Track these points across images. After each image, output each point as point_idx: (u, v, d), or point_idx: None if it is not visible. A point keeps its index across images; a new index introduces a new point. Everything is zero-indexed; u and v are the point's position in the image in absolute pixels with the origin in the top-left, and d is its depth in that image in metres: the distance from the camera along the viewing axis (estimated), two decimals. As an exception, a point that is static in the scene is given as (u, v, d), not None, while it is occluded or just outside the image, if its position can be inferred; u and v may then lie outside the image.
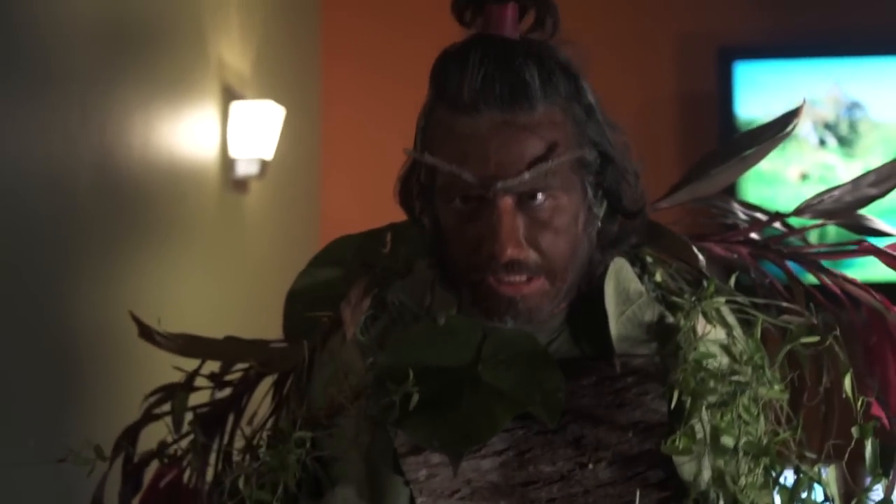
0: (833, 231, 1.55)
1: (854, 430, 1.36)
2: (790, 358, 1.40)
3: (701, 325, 1.38)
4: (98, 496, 1.59)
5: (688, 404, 1.33)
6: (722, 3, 4.43)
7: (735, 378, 1.34)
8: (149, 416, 1.60)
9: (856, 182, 1.51)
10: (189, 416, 1.58)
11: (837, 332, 1.40)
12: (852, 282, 1.48)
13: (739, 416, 1.33)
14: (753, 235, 1.53)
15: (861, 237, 1.51)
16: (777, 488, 1.35)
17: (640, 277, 1.43)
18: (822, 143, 4.28)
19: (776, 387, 1.36)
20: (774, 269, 1.54)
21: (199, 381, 1.61)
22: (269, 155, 3.64)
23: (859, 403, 1.37)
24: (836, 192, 1.51)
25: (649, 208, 1.45)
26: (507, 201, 1.29)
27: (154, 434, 1.61)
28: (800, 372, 1.42)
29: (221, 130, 3.48)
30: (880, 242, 1.51)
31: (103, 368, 2.57)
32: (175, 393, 1.58)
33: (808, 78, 4.33)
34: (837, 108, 4.30)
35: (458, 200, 1.32)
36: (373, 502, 1.37)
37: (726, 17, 4.41)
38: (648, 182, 1.41)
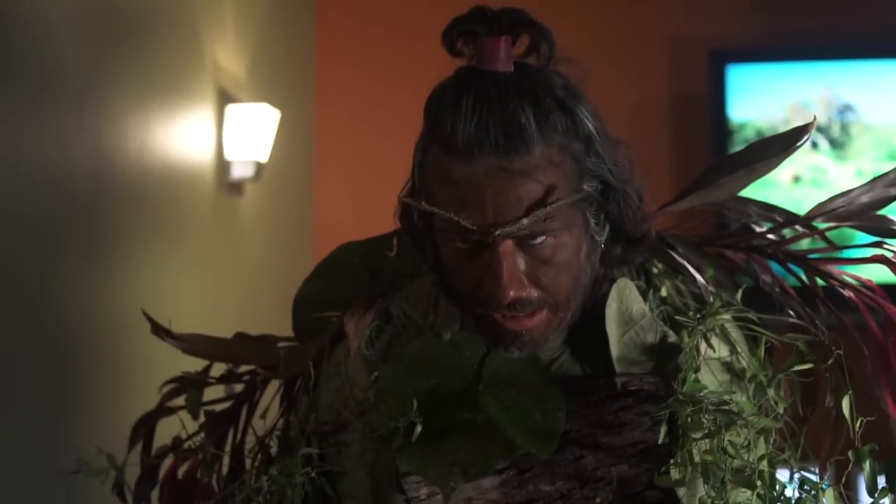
0: (850, 231, 1.55)
1: (850, 454, 1.37)
2: (800, 374, 1.39)
3: (705, 343, 1.38)
4: (119, 481, 1.60)
5: (681, 432, 1.33)
6: (714, 6, 4.44)
7: (727, 408, 1.33)
8: (164, 408, 1.61)
9: (872, 183, 1.50)
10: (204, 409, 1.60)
11: (841, 351, 1.39)
12: (868, 286, 1.48)
13: (725, 450, 1.32)
14: (770, 237, 1.53)
15: (880, 239, 1.49)
16: None
17: (645, 292, 1.43)
18: (815, 145, 4.29)
19: (764, 419, 1.35)
20: (783, 270, 1.54)
21: (212, 376, 1.63)
22: (264, 158, 3.65)
23: (858, 424, 1.37)
24: (851, 195, 1.50)
25: (656, 214, 1.45)
26: (507, 244, 1.28)
27: (166, 426, 1.62)
28: (808, 386, 1.41)
29: (217, 133, 3.49)
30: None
31: (100, 369, 2.58)
32: (190, 383, 1.60)
33: (800, 81, 4.34)
34: (829, 110, 4.31)
35: (457, 241, 1.31)
36: None
37: (718, 20, 4.42)
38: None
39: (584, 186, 1.30)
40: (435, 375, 1.37)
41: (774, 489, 1.34)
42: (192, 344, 1.62)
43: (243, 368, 1.63)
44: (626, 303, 1.39)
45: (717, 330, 1.40)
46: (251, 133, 3.57)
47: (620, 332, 1.38)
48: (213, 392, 1.65)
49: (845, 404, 1.38)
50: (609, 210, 1.34)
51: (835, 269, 1.50)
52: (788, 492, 1.35)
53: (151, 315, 1.63)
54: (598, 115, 1.33)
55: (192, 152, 3.27)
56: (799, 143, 1.48)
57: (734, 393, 1.36)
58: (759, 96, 4.33)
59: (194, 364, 1.65)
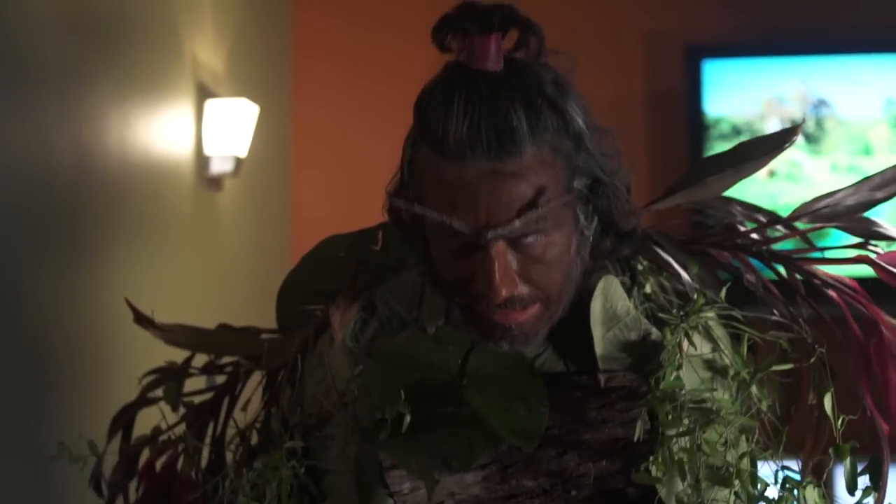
0: (834, 231, 1.56)
1: (831, 451, 1.38)
2: (782, 373, 1.40)
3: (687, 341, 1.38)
4: (96, 473, 1.60)
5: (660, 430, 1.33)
6: (690, 1, 4.44)
7: (705, 406, 1.34)
8: (144, 399, 1.61)
9: (858, 185, 1.50)
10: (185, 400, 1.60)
11: (823, 350, 1.40)
12: (850, 286, 1.49)
13: (700, 447, 1.32)
14: (754, 236, 1.54)
15: (863, 240, 1.51)
16: None
17: (630, 289, 1.43)
18: (789, 140, 4.31)
19: (742, 417, 1.35)
20: (768, 270, 1.54)
21: (195, 366, 1.62)
22: (243, 152, 3.65)
23: (839, 422, 1.38)
24: (836, 196, 1.50)
25: (642, 211, 1.46)
26: (499, 245, 1.28)
27: (146, 418, 1.63)
28: (791, 383, 1.42)
29: (196, 128, 3.48)
30: (887, 246, 1.51)
31: (80, 362, 2.58)
32: (171, 375, 1.59)
33: (775, 76, 4.36)
34: (804, 105, 4.33)
35: (448, 240, 1.31)
36: None
37: (694, 15, 4.42)
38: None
39: (575, 184, 1.31)
40: (419, 369, 1.37)
41: (756, 487, 1.34)
42: (175, 334, 1.62)
43: (225, 360, 1.63)
44: (610, 300, 1.40)
45: (700, 327, 1.40)
46: (230, 128, 3.56)
47: (604, 330, 1.39)
48: (194, 384, 1.65)
49: (827, 402, 1.39)
50: (598, 204, 1.34)
51: (819, 269, 1.51)
52: (770, 491, 1.36)
53: (126, 311, 1.62)
54: (587, 106, 1.33)
55: (171, 147, 3.28)
56: (787, 145, 1.48)
57: (715, 390, 1.36)
58: (734, 91, 4.34)
59: (175, 357, 1.65)
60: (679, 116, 4.36)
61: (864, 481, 1.40)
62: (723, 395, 1.37)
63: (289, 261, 4.27)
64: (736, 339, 1.42)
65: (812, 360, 1.40)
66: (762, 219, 1.56)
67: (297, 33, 4.56)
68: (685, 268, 1.49)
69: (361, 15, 4.52)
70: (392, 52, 4.36)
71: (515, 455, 1.36)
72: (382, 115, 4.48)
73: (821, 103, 4.32)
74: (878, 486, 1.39)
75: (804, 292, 1.51)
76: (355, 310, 1.45)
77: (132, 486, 1.63)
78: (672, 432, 1.32)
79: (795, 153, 4.29)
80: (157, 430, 1.59)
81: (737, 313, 1.42)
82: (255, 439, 1.50)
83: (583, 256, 1.36)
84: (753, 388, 1.37)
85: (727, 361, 1.40)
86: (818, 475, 1.39)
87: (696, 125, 4.32)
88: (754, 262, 1.54)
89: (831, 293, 1.49)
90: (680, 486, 1.32)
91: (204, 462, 1.59)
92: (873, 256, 1.49)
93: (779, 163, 4.29)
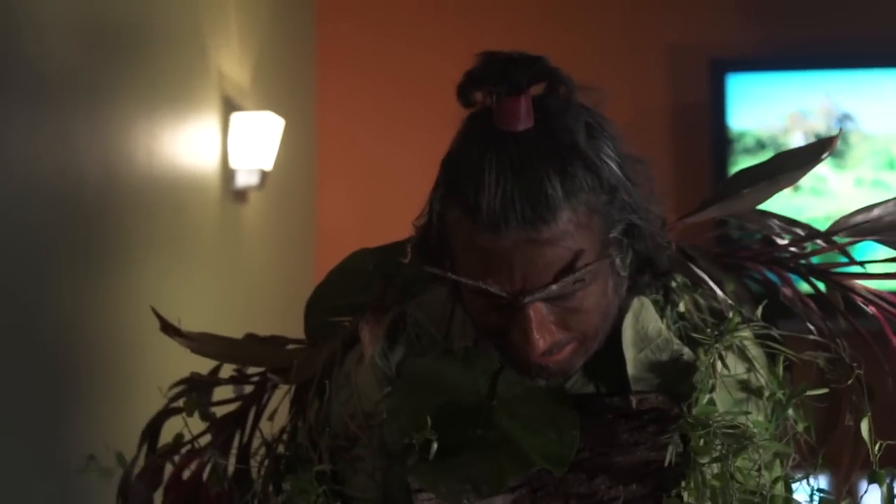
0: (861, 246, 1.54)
1: (867, 478, 1.35)
2: (819, 395, 1.37)
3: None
4: (124, 486, 1.58)
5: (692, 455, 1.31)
6: (714, 15, 4.44)
7: (738, 431, 1.31)
8: (170, 410, 1.59)
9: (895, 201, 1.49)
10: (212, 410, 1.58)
11: (862, 371, 1.38)
12: (891, 301, 1.47)
13: (733, 476, 1.30)
14: (792, 250, 1.51)
15: None
16: None
17: (663, 308, 1.41)
18: (814, 154, 4.30)
19: (776, 444, 1.33)
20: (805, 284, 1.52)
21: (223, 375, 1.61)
22: (268, 165, 3.66)
23: (877, 447, 1.36)
24: (874, 211, 1.49)
25: (676, 223, 1.44)
26: (536, 306, 1.25)
27: (174, 428, 1.63)
28: (828, 405, 1.39)
29: (222, 141, 3.50)
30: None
31: (105, 375, 2.60)
32: (197, 385, 1.58)
33: (799, 90, 4.35)
34: (828, 119, 4.32)
35: (483, 298, 1.28)
36: None
37: (718, 29, 4.43)
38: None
39: (610, 236, 1.27)
40: (448, 391, 1.35)
41: None
42: (201, 343, 1.60)
43: (251, 370, 1.62)
44: (641, 321, 1.38)
45: (735, 347, 1.38)
46: (256, 141, 3.58)
47: (636, 352, 1.36)
48: (220, 394, 1.65)
49: (864, 427, 1.36)
50: (634, 245, 1.31)
51: (858, 283, 1.49)
52: None
53: (152, 322, 1.59)
54: (619, 142, 1.29)
55: (197, 160, 3.30)
56: (824, 156, 1.47)
57: (749, 413, 1.34)
58: (758, 105, 4.34)
59: (200, 369, 1.64)
60: (703, 130, 4.36)
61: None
62: (757, 417, 1.35)
63: (313, 273, 4.29)
64: (771, 358, 1.40)
65: (850, 381, 1.38)
66: (800, 232, 1.53)
67: (321, 46, 4.58)
68: (720, 284, 1.46)
69: (385, 27, 4.54)
70: (416, 63, 4.38)
71: (545, 478, 1.33)
72: (406, 127, 4.51)
73: (845, 117, 4.32)
74: None
75: (842, 308, 1.49)
76: (385, 325, 1.43)
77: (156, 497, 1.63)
78: (704, 460, 1.30)
79: (820, 167, 4.25)
80: (179, 438, 1.57)
81: (774, 332, 1.39)
82: (280, 450, 1.50)
83: (620, 294, 1.33)
84: (790, 411, 1.36)
85: (762, 382, 1.37)
86: (852, 496, 1.38)
87: (720, 139, 4.31)
88: (791, 277, 1.52)
89: (871, 308, 1.46)
90: None
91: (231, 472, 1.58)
92: None
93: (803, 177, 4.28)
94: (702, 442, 1.30)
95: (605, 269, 1.28)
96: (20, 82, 2.23)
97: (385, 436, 1.34)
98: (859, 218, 1.49)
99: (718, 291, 1.45)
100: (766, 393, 1.37)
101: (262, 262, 3.88)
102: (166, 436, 1.64)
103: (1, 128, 2.16)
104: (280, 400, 1.59)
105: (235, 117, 3.56)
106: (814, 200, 4.23)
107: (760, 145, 4.28)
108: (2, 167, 2.16)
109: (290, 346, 1.61)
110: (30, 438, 2.25)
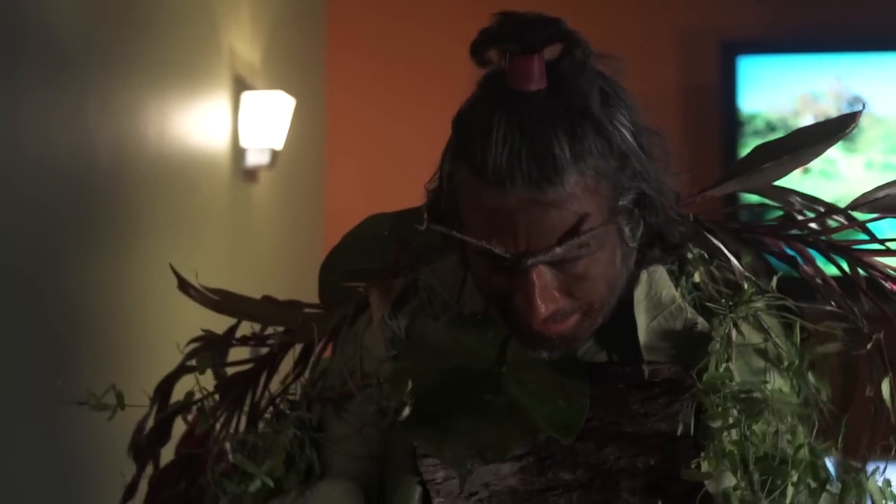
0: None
1: (892, 440, 1.33)
2: (837, 362, 1.37)
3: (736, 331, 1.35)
4: (137, 440, 1.58)
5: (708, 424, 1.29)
6: (724, -4, 4.45)
7: (752, 396, 1.29)
8: (185, 367, 1.57)
9: None
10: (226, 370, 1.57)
11: (881, 336, 1.36)
12: None
13: (747, 438, 1.28)
14: (812, 226, 1.49)
15: None
16: (822, 496, 1.31)
17: (678, 278, 1.39)
18: (824, 136, 4.29)
19: (794, 400, 1.32)
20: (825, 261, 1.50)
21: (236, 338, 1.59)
22: (279, 145, 3.66)
23: None
24: (894, 187, 1.46)
25: (695, 197, 1.43)
26: (540, 269, 1.23)
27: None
28: (847, 375, 1.38)
29: (233, 120, 3.51)
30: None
31: (114, 353, 2.62)
32: (214, 343, 1.57)
33: (810, 72, 4.34)
34: (839, 102, 4.31)
35: (487, 259, 1.26)
36: (380, 500, 1.38)
37: (728, 11, 4.41)
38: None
39: (620, 203, 1.26)
40: (457, 356, 1.33)
41: (817, 479, 1.30)
42: (218, 301, 1.59)
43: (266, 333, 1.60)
44: (654, 288, 1.36)
45: (750, 317, 1.36)
46: (266, 120, 3.58)
47: (649, 319, 1.35)
48: (235, 354, 1.62)
49: (885, 388, 1.35)
50: (644, 216, 1.29)
51: (878, 260, 1.47)
52: (831, 486, 1.31)
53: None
54: (636, 108, 1.28)
55: (208, 139, 3.31)
56: (847, 131, 1.45)
57: (768, 382, 1.32)
58: (769, 88, 4.33)
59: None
60: (713, 113, 4.35)
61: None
62: (776, 386, 1.33)
63: (322, 252, 4.28)
64: (788, 328, 1.38)
65: (868, 346, 1.36)
66: (820, 209, 1.51)
67: (332, 26, 4.58)
68: (737, 256, 1.44)
69: (395, 6, 4.53)
70: (426, 43, 4.38)
71: (553, 447, 1.31)
72: (416, 107, 4.51)
73: (856, 100, 4.30)
74: None
75: (864, 285, 1.47)
76: (395, 290, 1.41)
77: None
78: (717, 424, 1.28)
79: (830, 150, 4.26)
80: (190, 396, 1.53)
81: (789, 303, 1.38)
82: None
83: (628, 266, 1.32)
84: (811, 377, 1.34)
85: (781, 351, 1.36)
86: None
87: (731, 121, 4.31)
88: (812, 253, 1.50)
89: (891, 285, 1.45)
90: (730, 480, 1.28)
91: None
92: None
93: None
94: (719, 409, 1.28)
95: (613, 238, 1.27)
96: (32, 63, 2.23)
97: (388, 395, 1.31)
98: (880, 193, 1.47)
99: (735, 262, 1.42)
100: (786, 361, 1.35)
101: (273, 241, 3.89)
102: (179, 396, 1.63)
103: (13, 108, 2.17)
104: (292, 364, 1.57)
105: (246, 96, 3.56)
106: (824, 183, 4.23)
107: (771, 128, 4.28)
108: (15, 147, 2.18)
109: (307, 311, 1.60)
110: (38, 411, 2.27)
